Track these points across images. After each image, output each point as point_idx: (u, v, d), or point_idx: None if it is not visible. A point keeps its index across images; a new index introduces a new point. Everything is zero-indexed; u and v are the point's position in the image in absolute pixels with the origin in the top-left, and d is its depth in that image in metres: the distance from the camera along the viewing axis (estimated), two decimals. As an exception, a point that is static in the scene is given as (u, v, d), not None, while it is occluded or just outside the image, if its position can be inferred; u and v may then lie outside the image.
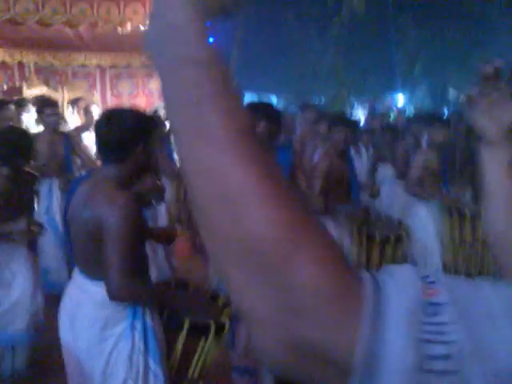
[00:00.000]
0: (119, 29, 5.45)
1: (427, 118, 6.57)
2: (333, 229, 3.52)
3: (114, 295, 1.86)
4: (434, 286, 0.46)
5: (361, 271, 0.47)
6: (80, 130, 6.00)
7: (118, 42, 7.05)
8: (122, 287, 1.84)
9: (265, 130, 2.94)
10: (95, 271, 1.96)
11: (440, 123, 5.16)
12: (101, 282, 1.89)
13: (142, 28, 5.39)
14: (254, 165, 0.47)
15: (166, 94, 0.52)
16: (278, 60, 18.86)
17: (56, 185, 4.52)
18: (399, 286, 0.46)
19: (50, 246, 4.31)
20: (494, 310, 0.43)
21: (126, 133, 1.92)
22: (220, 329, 1.93)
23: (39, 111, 6.25)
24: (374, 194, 6.33)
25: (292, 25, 18.54)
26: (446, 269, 4.11)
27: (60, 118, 5.64)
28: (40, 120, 5.41)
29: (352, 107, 19.87)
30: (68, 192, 2.18)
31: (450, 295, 0.45)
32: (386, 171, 6.24)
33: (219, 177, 0.47)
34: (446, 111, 20.77)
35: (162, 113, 6.34)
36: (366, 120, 8.34)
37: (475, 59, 20.27)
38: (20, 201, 3.00)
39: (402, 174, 5.79)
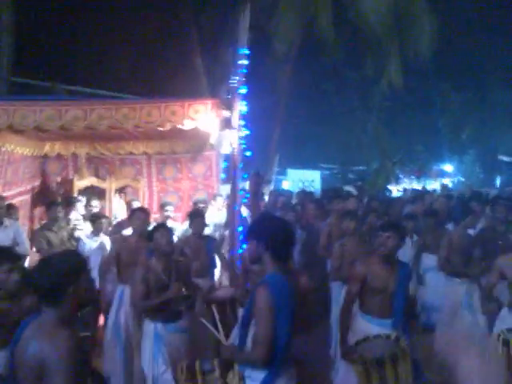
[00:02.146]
0: (159, 128, 5.72)
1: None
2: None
3: None
4: None
5: None
6: (121, 226, 6.18)
7: (161, 135, 7.41)
8: None
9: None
10: None
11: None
12: None
13: (179, 127, 5.64)
14: None
15: None
16: (322, 133, 19.07)
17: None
18: None
19: None
20: None
21: (55, 279, 2.13)
22: None
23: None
24: (420, 283, 6.11)
25: (333, 98, 18.85)
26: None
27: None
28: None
29: (396, 180, 19.60)
30: (15, 336, 2.25)
31: None
32: (430, 260, 6.01)
33: None
34: (497, 179, 20.12)
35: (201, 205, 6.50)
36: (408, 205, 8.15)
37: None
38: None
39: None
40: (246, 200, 6.86)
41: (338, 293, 4.91)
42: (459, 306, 5.21)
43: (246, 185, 6.90)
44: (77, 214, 6.33)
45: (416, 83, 17.05)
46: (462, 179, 19.44)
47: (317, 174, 17.76)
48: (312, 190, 14.00)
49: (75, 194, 7.57)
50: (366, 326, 3.56)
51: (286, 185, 16.55)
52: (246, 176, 6.56)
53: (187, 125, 5.45)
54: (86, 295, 2.27)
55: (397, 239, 3.64)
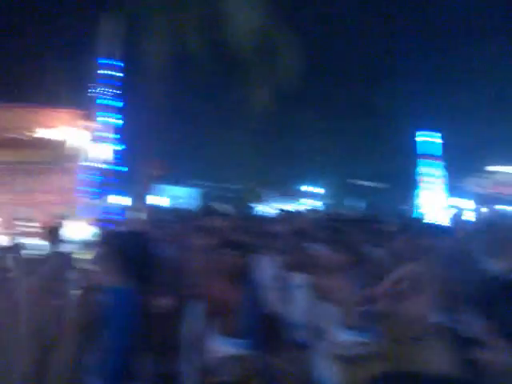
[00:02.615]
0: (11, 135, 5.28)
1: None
2: None
3: None
4: None
5: None
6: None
7: (13, 142, 6.89)
8: None
9: None
10: None
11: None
12: None
13: (36, 134, 5.28)
14: None
15: None
16: (198, 151, 19.18)
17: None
18: None
19: None
20: None
21: None
22: None
23: None
24: (285, 301, 6.34)
25: (208, 117, 19.11)
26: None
27: None
28: None
29: (265, 199, 20.44)
30: None
31: None
32: (295, 278, 6.25)
33: None
34: (356, 201, 22.02)
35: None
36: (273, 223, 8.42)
37: (377, 153, 22.07)
38: None
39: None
40: (119, 217, 6.62)
41: (195, 311, 4.78)
42: (328, 325, 5.43)
43: (122, 200, 6.65)
44: None
45: (284, 109, 17.93)
46: (328, 201, 20.88)
47: (193, 191, 17.80)
48: (187, 206, 13.95)
49: None
50: (220, 347, 3.52)
51: (163, 201, 16.32)
52: (120, 192, 6.34)
53: (45, 133, 5.10)
54: None
55: (241, 257, 3.70)
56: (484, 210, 18.78)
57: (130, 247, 2.66)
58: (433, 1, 19.11)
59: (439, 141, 18.95)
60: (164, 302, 4.58)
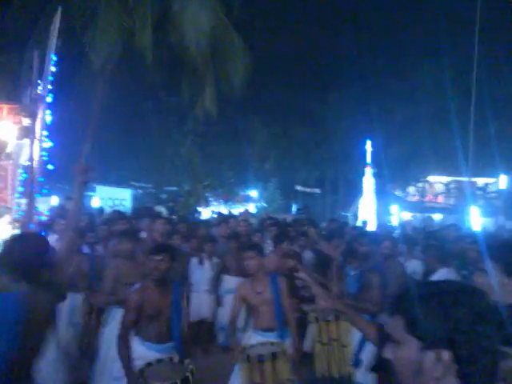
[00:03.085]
0: None
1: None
2: None
3: None
4: None
5: None
6: None
7: None
8: None
9: None
10: None
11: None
12: None
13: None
14: None
15: None
16: (136, 151, 18.82)
17: None
18: None
19: None
20: None
21: None
22: None
23: None
24: (218, 304, 6.34)
25: (150, 117, 18.81)
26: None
27: None
28: None
29: (206, 203, 20.43)
30: None
31: None
32: (230, 282, 6.28)
33: None
34: (294, 205, 22.52)
35: None
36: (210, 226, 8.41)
37: (317, 157, 22.69)
38: None
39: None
40: (44, 217, 6.34)
41: (113, 317, 4.50)
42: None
43: (49, 200, 6.36)
44: None
45: (229, 113, 17.98)
46: (265, 205, 21.11)
47: (127, 193, 17.36)
48: (122, 208, 13.62)
49: None
50: (146, 353, 3.46)
51: (94, 202, 15.79)
52: (46, 191, 6.07)
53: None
54: None
55: (169, 262, 3.62)
56: (411, 217, 19.68)
57: (19, 250, 2.54)
58: (374, 18, 19.95)
59: (370, 149, 19.62)
60: (99, 298, 4.43)
